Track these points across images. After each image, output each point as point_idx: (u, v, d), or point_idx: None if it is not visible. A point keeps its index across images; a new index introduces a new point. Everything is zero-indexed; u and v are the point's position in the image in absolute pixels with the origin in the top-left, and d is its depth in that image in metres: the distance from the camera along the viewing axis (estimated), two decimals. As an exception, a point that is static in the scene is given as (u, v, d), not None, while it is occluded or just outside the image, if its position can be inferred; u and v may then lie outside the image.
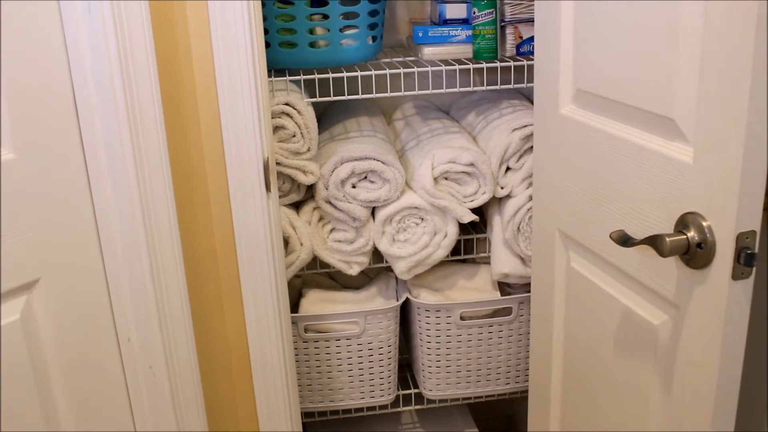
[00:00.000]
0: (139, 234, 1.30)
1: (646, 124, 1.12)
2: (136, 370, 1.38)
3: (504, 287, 1.93)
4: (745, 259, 0.96)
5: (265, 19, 1.56)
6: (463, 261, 1.98)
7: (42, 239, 1.19)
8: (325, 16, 1.65)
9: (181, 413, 1.45)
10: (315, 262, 1.81)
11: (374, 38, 1.77)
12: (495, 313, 1.87)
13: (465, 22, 1.81)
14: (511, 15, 1.77)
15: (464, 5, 1.81)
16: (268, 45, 1.64)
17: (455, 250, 1.86)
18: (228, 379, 1.58)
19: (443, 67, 1.74)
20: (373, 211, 1.75)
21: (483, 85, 1.77)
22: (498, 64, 1.74)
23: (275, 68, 1.73)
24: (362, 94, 1.72)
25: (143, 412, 1.41)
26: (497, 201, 1.79)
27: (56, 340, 1.25)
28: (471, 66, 1.75)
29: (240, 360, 1.58)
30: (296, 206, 1.75)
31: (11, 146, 1.13)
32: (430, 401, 2.00)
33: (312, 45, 1.69)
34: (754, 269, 0.97)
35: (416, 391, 1.99)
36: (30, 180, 1.16)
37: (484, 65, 1.74)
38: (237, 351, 1.57)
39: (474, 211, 1.73)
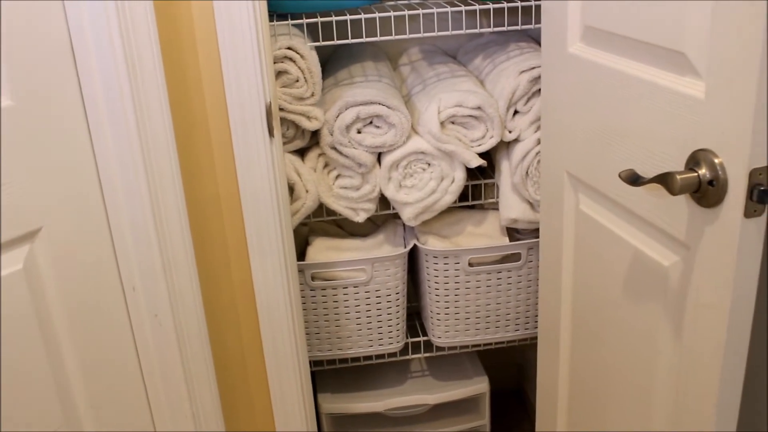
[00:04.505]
0: (140, 181, 1.28)
1: (656, 60, 1.08)
2: (142, 320, 1.37)
3: (513, 233, 1.91)
4: (758, 196, 0.93)
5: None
6: (471, 207, 1.95)
7: (42, 188, 1.18)
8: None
9: (189, 363, 1.45)
10: (321, 209, 1.79)
11: (378, -20, 1.73)
12: (504, 259, 1.85)
13: (471, -39, 1.77)
14: (519, -47, 1.72)
15: (470, -56, 1.76)
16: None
17: (463, 196, 1.84)
18: (235, 328, 1.58)
19: (449, 9, 1.70)
20: (379, 157, 1.73)
21: (490, 27, 1.73)
22: (505, 5, 1.69)
23: (277, 12, 1.70)
24: (366, 37, 1.68)
25: (151, 361, 1.41)
26: (505, 145, 1.76)
27: (61, 290, 1.24)
28: (477, 7, 1.70)
29: (247, 309, 1.57)
30: (301, 153, 1.73)
31: (9, 93, 1.11)
32: (439, 348, 1.99)
33: (314, -13, 1.65)
34: (768, 207, 0.95)
35: (425, 338, 1.99)
36: (28, 128, 1.14)
37: (491, 6, 1.70)
38: (243, 300, 1.56)
39: (482, 155, 1.70)
